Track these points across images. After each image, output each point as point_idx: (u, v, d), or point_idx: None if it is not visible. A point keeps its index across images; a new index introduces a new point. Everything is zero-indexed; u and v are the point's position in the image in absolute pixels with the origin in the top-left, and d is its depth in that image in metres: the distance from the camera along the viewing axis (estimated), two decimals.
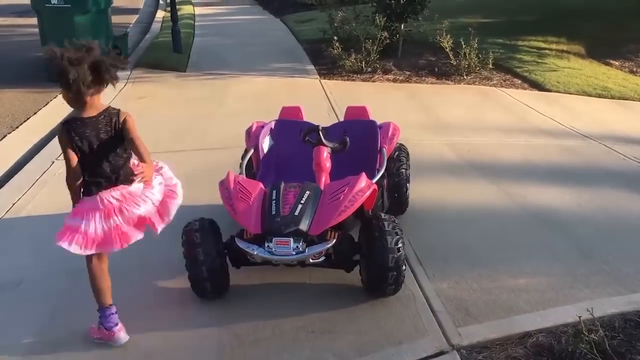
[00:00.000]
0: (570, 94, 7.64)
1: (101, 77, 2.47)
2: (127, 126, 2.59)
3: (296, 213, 2.83)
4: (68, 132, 2.50)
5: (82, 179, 2.55)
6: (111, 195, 2.52)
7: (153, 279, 3.20)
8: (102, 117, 2.55)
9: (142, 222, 2.66)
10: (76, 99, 2.50)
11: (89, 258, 2.67)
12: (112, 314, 2.69)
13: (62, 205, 4.06)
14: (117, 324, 2.68)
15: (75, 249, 2.52)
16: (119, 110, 2.62)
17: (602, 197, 4.35)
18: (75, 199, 2.60)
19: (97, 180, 2.57)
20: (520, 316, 2.89)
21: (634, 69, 8.98)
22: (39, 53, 7.90)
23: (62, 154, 2.55)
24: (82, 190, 2.59)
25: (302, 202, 2.88)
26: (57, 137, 2.63)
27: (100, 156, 2.55)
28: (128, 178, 2.58)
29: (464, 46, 8.06)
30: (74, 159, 2.52)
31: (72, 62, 2.39)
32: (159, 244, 3.52)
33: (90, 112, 2.53)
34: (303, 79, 8.15)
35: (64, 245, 2.52)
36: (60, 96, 7.03)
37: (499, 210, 4.12)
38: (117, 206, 2.53)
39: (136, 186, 2.59)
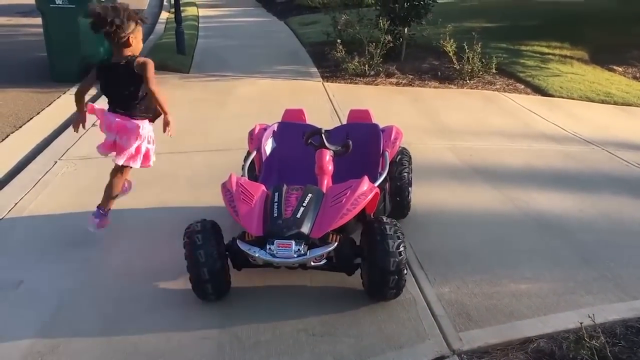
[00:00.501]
0: (573, 99, 7.64)
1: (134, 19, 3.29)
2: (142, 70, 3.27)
3: (298, 216, 2.83)
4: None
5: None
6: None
7: (154, 280, 3.20)
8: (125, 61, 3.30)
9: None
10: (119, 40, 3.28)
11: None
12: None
13: (65, 205, 4.08)
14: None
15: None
16: (137, 56, 3.31)
17: (604, 203, 4.35)
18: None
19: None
20: (521, 321, 2.88)
21: (637, 75, 8.97)
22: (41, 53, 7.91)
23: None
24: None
25: (304, 204, 2.89)
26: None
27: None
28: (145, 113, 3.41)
29: (467, 50, 8.07)
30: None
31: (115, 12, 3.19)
32: (161, 245, 3.55)
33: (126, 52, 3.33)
34: (306, 81, 8.16)
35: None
36: (63, 96, 7.10)
37: (500, 215, 4.12)
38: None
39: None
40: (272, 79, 8.25)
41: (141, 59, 3.28)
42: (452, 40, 8.17)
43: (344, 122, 4.50)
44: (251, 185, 3.05)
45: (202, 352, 2.66)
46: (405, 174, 3.79)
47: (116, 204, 3.82)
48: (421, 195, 4.13)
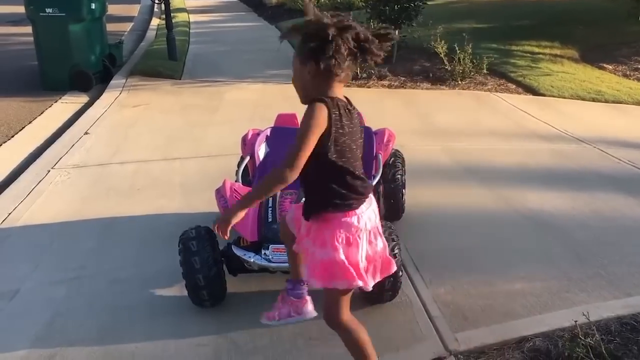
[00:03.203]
0: (564, 98, 7.68)
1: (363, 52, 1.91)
2: None
3: None
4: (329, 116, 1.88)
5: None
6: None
7: (149, 288, 3.19)
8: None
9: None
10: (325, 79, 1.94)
11: None
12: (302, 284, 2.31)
13: (59, 214, 4.07)
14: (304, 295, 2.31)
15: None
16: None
17: (597, 200, 4.37)
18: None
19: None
20: (517, 321, 2.90)
21: (628, 73, 9.03)
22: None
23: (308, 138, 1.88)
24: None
25: None
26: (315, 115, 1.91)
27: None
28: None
29: (458, 51, 8.10)
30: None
31: (341, 28, 1.88)
32: (155, 252, 3.54)
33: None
34: None
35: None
36: (55, 105, 7.09)
37: (494, 215, 4.13)
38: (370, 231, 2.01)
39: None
40: (264, 83, 8.26)
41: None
42: (443, 42, 8.20)
43: None
44: (245, 191, 3.05)
45: (199, 358, 2.66)
46: (399, 176, 3.80)
47: (110, 211, 3.82)
48: (415, 197, 4.14)
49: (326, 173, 1.97)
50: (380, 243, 2.07)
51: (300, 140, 1.87)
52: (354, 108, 2.04)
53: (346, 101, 2.01)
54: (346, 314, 2.12)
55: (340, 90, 1.98)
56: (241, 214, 2.03)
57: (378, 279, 2.08)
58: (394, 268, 2.12)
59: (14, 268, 3.46)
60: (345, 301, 2.09)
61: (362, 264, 2.00)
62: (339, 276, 1.98)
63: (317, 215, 2.04)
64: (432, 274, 3.31)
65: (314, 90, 1.97)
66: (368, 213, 2.03)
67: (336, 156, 1.94)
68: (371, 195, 2.08)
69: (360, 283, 1.99)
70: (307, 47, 1.92)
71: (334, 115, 1.89)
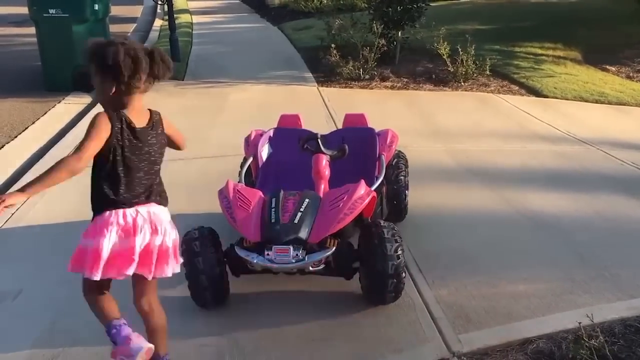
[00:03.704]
0: (568, 99, 7.67)
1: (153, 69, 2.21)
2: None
3: (296, 221, 2.84)
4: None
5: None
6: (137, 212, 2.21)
7: None
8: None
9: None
10: (123, 95, 2.16)
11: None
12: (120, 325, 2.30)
13: (61, 214, 4.07)
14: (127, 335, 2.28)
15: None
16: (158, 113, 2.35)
17: (601, 202, 4.36)
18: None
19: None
20: (520, 322, 2.89)
21: (631, 74, 9.01)
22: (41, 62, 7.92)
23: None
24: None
25: (301, 210, 2.89)
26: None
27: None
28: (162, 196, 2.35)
29: (461, 53, 8.09)
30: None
31: (129, 49, 2.13)
32: None
33: (140, 117, 2.22)
34: (301, 86, 8.17)
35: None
36: (58, 106, 7.09)
37: (497, 216, 4.13)
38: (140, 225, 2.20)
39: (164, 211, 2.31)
40: (267, 84, 8.27)
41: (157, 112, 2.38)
42: (445, 43, 8.19)
43: (340, 126, 4.51)
44: (248, 192, 3.05)
45: (202, 359, 2.66)
46: (402, 177, 3.80)
47: None
48: (418, 198, 4.14)
49: (98, 173, 2.22)
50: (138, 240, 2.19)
51: (84, 140, 2.11)
52: (153, 126, 2.28)
53: (148, 116, 2.28)
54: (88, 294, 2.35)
55: (138, 104, 2.23)
56: (23, 197, 2.14)
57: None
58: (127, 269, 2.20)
59: (17, 268, 3.47)
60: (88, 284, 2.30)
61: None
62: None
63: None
64: (435, 275, 3.30)
65: (109, 105, 2.18)
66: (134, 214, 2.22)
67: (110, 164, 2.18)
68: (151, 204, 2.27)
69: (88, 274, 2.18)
70: (100, 67, 2.13)
71: (115, 128, 2.13)
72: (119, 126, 2.14)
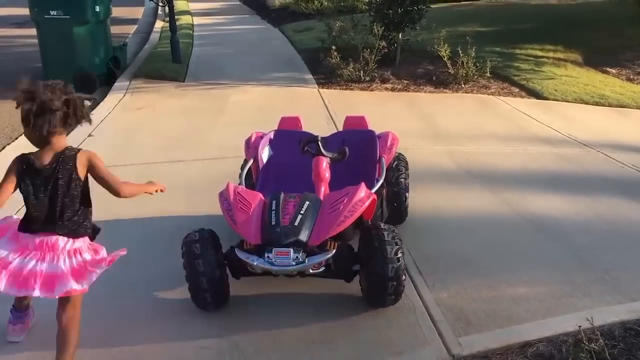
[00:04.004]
0: (568, 102, 7.67)
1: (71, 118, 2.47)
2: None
3: (296, 223, 2.84)
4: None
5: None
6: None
7: (153, 290, 3.20)
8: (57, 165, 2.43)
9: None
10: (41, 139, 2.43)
11: None
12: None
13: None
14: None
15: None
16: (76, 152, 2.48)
17: (601, 205, 4.37)
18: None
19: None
20: (520, 325, 2.89)
21: (631, 77, 9.02)
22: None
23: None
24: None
25: (301, 212, 2.89)
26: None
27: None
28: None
29: (461, 55, 8.10)
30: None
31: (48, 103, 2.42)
32: (159, 255, 3.55)
33: (48, 157, 2.44)
34: (302, 88, 8.18)
35: None
36: None
37: (498, 218, 4.13)
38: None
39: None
40: (268, 86, 8.27)
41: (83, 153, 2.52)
42: (446, 45, 8.20)
43: (340, 128, 4.52)
44: (249, 194, 3.05)
45: None
46: (402, 180, 3.80)
47: (113, 214, 3.82)
48: (418, 200, 4.14)
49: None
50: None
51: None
52: (57, 159, 2.44)
53: (58, 155, 2.45)
54: None
55: (58, 142, 2.46)
56: None
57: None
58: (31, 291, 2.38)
59: None
60: None
61: None
62: None
63: None
64: (435, 277, 3.30)
65: (34, 143, 2.48)
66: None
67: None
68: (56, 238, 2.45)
69: None
70: (23, 112, 2.43)
71: (19, 168, 2.46)
72: (23, 167, 2.46)
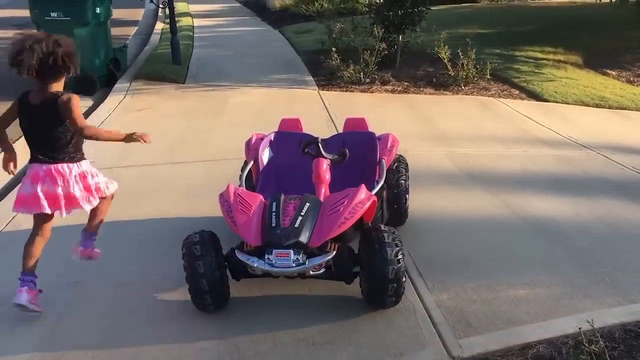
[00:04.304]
0: (568, 104, 7.68)
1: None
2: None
3: (296, 225, 2.84)
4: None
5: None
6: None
7: (153, 292, 3.20)
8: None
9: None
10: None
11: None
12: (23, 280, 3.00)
13: (62, 218, 4.06)
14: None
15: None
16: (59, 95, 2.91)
17: (601, 206, 4.36)
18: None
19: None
20: (520, 327, 2.89)
21: (631, 79, 9.02)
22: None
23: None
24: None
25: (302, 214, 2.89)
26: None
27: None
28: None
29: (461, 57, 8.10)
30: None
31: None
32: (159, 256, 3.55)
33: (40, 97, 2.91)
34: (302, 90, 8.18)
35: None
36: None
37: (498, 220, 4.13)
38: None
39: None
40: (268, 88, 8.28)
41: (65, 96, 2.90)
42: (446, 47, 8.20)
43: (340, 130, 4.52)
44: (249, 195, 3.05)
45: None
46: (402, 182, 3.80)
47: (113, 215, 3.82)
48: (418, 202, 4.14)
49: None
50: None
51: None
52: (45, 100, 2.90)
53: (42, 95, 2.92)
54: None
55: (40, 86, 2.94)
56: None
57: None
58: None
59: (18, 272, 3.46)
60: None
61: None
62: None
63: None
64: (436, 279, 3.30)
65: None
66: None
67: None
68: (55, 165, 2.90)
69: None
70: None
71: (19, 103, 2.98)
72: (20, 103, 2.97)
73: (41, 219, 3.01)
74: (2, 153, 3.15)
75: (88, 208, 3.03)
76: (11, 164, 3.12)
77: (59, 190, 2.89)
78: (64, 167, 2.91)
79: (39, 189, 2.86)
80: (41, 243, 3.05)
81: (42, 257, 3.59)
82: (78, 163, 2.97)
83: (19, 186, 3.02)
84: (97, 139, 2.94)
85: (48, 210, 2.88)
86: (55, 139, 2.89)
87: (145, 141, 2.96)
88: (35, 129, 2.94)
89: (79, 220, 4.01)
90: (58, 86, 2.95)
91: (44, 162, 2.90)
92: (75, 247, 3.26)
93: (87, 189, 2.98)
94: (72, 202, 2.93)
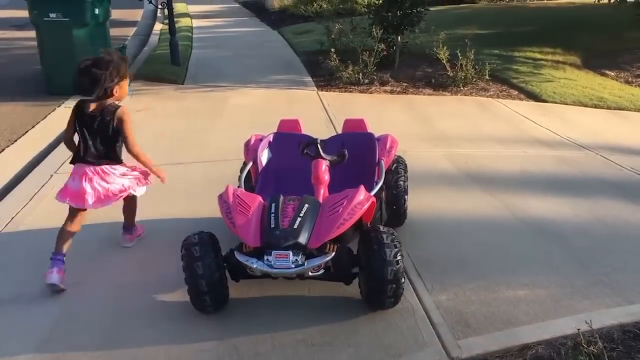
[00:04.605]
0: (567, 104, 7.69)
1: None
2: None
3: (295, 226, 2.84)
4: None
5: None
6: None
7: (152, 293, 3.20)
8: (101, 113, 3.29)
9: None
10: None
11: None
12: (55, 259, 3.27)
13: (61, 219, 4.06)
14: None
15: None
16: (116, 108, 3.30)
17: (600, 207, 4.37)
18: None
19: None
20: (519, 328, 2.89)
21: (630, 79, 9.03)
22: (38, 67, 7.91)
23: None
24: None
25: (301, 215, 2.89)
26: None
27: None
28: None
29: (460, 57, 8.11)
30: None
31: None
32: (158, 257, 3.55)
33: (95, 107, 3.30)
34: (301, 90, 8.18)
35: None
36: (58, 109, 7.10)
37: (497, 221, 4.13)
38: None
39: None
40: (267, 88, 8.28)
41: (121, 111, 3.30)
42: (445, 48, 8.21)
43: (339, 131, 4.52)
44: (248, 197, 3.06)
45: None
46: (401, 182, 3.81)
47: (112, 216, 3.83)
48: (417, 203, 4.15)
49: None
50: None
51: None
52: (99, 115, 3.30)
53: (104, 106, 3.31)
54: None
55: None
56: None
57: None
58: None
59: (16, 273, 3.47)
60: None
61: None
62: None
63: None
64: (435, 280, 3.31)
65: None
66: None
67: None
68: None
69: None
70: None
71: (76, 110, 3.35)
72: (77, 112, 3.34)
73: (79, 211, 3.38)
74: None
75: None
76: None
77: (104, 186, 3.33)
78: (109, 168, 3.35)
79: (87, 186, 3.28)
80: (74, 229, 3.38)
81: (41, 257, 3.60)
82: (120, 165, 3.42)
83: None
84: (137, 157, 3.42)
85: (89, 206, 3.32)
86: (108, 144, 3.34)
87: (162, 180, 3.58)
88: (90, 135, 3.32)
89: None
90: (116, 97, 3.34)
91: (92, 163, 3.31)
92: (124, 238, 3.73)
93: (121, 190, 3.42)
94: (110, 199, 3.37)
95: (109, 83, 3.19)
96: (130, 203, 3.69)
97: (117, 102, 3.33)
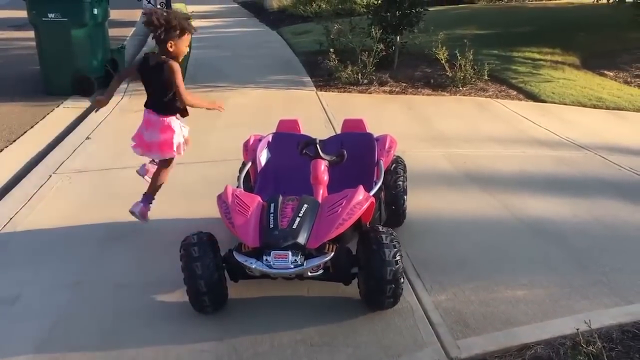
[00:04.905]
0: (566, 104, 7.69)
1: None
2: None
3: (294, 226, 2.84)
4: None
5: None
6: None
7: (151, 293, 3.20)
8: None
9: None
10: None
11: None
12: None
13: (60, 219, 4.07)
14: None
15: None
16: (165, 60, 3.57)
17: (599, 207, 4.37)
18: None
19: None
20: (518, 328, 2.89)
21: (629, 80, 9.04)
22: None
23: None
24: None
25: (300, 215, 2.89)
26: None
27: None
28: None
29: (459, 58, 8.11)
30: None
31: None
32: (157, 258, 3.55)
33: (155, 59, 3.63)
34: (300, 91, 8.18)
35: None
36: (57, 110, 7.10)
37: (496, 221, 4.13)
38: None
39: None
40: (266, 88, 8.28)
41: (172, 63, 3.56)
42: (444, 48, 8.21)
43: (338, 131, 4.52)
44: (247, 197, 3.06)
45: None
46: (400, 183, 3.81)
47: (111, 217, 3.83)
48: (416, 203, 4.15)
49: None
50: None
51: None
52: (158, 61, 3.62)
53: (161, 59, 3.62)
54: None
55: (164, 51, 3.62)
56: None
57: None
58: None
59: (15, 273, 3.46)
60: None
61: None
62: None
63: None
64: (434, 280, 3.31)
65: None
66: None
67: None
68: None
69: None
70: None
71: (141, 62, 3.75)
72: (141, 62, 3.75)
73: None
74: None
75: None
76: (99, 105, 4.01)
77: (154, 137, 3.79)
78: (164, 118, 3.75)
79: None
80: (166, 173, 3.86)
81: (41, 258, 3.61)
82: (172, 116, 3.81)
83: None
84: (192, 105, 3.80)
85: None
86: (163, 95, 3.71)
87: (221, 109, 4.04)
88: (151, 85, 3.78)
89: (76, 222, 4.02)
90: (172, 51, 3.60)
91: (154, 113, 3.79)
92: (136, 204, 3.76)
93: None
94: (163, 148, 3.76)
95: (159, 38, 3.49)
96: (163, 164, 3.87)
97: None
